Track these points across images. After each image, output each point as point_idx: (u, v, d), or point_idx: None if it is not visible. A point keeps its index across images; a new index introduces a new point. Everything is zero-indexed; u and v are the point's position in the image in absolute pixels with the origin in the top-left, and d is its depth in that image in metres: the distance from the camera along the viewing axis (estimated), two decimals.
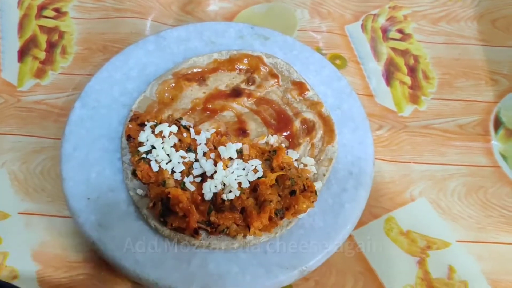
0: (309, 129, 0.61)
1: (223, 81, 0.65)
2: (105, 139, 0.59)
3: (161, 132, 0.56)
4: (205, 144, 0.58)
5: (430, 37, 0.80)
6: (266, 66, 0.66)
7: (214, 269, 0.52)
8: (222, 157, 0.56)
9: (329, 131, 0.60)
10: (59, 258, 0.56)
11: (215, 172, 0.54)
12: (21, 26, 0.75)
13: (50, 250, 0.57)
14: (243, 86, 0.65)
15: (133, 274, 0.51)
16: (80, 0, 0.79)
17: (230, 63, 0.66)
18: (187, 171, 0.55)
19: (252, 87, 0.65)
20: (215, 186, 0.53)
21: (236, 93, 0.64)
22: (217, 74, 0.65)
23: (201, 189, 0.54)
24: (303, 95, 0.63)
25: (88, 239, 0.52)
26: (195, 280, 0.50)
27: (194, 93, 0.63)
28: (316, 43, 0.78)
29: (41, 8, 0.77)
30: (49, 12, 0.77)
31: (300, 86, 0.64)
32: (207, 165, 0.55)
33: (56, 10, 0.78)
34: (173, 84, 0.63)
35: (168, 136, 0.56)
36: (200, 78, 0.64)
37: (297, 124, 0.61)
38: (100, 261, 0.54)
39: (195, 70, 0.65)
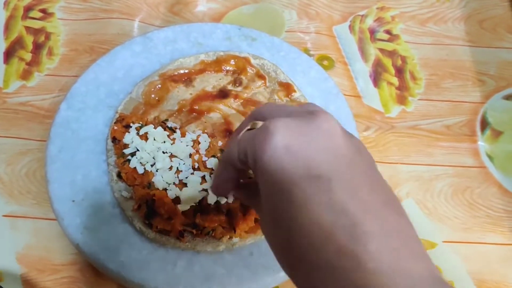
0: None
1: (210, 82, 0.65)
2: (91, 141, 0.59)
3: (146, 133, 0.56)
4: (193, 147, 0.57)
5: (417, 38, 0.80)
6: (253, 68, 0.65)
7: (200, 271, 0.51)
8: (208, 166, 0.56)
9: None
10: (44, 261, 0.56)
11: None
12: (7, 27, 0.74)
13: (34, 252, 0.56)
14: (230, 87, 0.64)
15: (119, 276, 0.50)
16: (67, 1, 0.78)
17: (217, 64, 0.65)
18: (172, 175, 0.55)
19: (239, 89, 0.64)
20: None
21: (223, 94, 0.64)
22: (204, 75, 0.65)
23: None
24: (289, 96, 0.63)
25: (73, 241, 0.52)
26: (181, 282, 0.50)
27: (181, 94, 0.63)
28: (304, 44, 0.78)
29: (28, 9, 0.77)
30: (35, 13, 0.77)
31: (287, 87, 0.64)
32: (192, 177, 0.55)
33: (43, 11, 0.77)
34: (159, 86, 0.62)
35: (153, 139, 0.56)
36: (187, 79, 0.64)
37: None
38: (85, 264, 0.54)
39: (181, 71, 0.64)
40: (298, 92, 0.64)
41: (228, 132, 0.60)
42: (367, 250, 0.28)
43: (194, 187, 0.53)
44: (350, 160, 0.32)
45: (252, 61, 0.66)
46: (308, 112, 0.35)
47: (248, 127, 0.39)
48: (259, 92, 0.64)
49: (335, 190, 0.30)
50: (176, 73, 0.64)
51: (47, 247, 0.57)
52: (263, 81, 0.65)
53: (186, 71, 0.65)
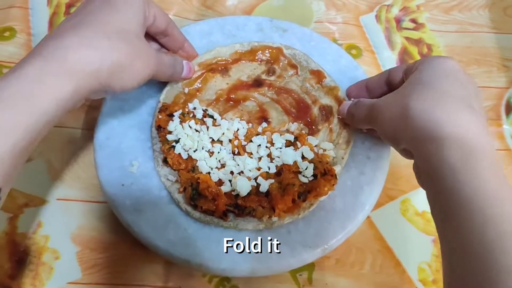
0: (327, 115, 0.64)
1: (245, 72, 0.68)
2: (136, 129, 0.62)
3: (188, 121, 0.60)
4: (233, 135, 0.61)
5: (442, 26, 0.83)
6: (285, 57, 0.69)
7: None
8: (248, 151, 0.59)
9: None
10: (96, 240, 0.61)
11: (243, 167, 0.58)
12: (51, 24, 0.79)
13: (86, 232, 0.61)
14: (264, 76, 0.68)
15: (166, 253, 0.54)
16: None
17: (251, 54, 0.69)
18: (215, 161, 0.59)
19: (272, 78, 0.68)
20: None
21: (257, 83, 0.67)
22: (239, 65, 0.68)
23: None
24: (320, 82, 0.66)
25: (124, 222, 0.56)
26: (224, 259, 0.54)
27: (218, 84, 0.67)
28: (332, 34, 0.81)
29: (69, 6, 0.81)
30: None
31: (318, 75, 0.67)
32: (234, 163, 0.59)
33: None
34: (199, 75, 0.66)
35: (194, 127, 0.60)
36: (223, 69, 0.67)
37: (315, 111, 0.64)
38: (134, 242, 0.58)
39: (218, 60, 0.68)
40: (328, 78, 0.67)
41: (263, 119, 0.64)
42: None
43: (247, 180, 0.57)
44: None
45: (285, 51, 0.69)
46: None
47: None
48: (292, 80, 0.67)
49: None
50: (214, 62, 0.67)
51: (97, 227, 0.61)
52: (295, 70, 0.68)
53: (223, 61, 0.68)
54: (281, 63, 0.68)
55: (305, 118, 0.64)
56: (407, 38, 0.81)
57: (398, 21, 0.83)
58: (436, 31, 0.82)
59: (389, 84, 0.56)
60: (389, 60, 0.78)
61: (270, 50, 0.69)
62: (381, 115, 0.51)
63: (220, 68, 0.67)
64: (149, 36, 0.60)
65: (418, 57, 0.78)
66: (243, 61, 0.69)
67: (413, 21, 0.83)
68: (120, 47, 0.47)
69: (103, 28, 0.47)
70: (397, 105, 0.48)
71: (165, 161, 0.59)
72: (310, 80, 0.67)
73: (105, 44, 0.46)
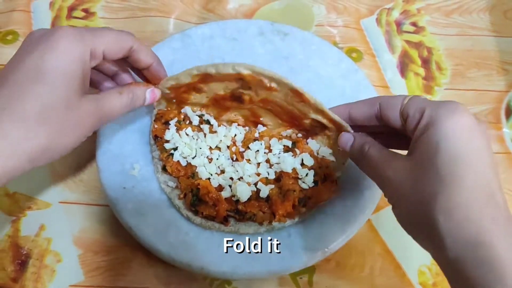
0: (321, 127, 0.58)
1: (218, 88, 0.59)
2: (137, 132, 0.63)
3: (185, 129, 0.60)
4: (231, 141, 0.61)
5: (443, 29, 0.83)
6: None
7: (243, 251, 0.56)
8: (246, 158, 0.59)
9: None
10: (98, 243, 0.61)
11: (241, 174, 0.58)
12: (53, 27, 0.79)
13: (89, 235, 0.62)
14: (240, 90, 0.58)
15: (168, 257, 0.55)
16: (108, 0, 0.83)
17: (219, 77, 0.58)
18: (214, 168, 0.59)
19: (250, 92, 0.58)
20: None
21: (236, 98, 0.59)
22: (209, 85, 0.59)
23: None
24: (305, 101, 0.56)
25: (126, 225, 0.57)
26: (225, 262, 0.55)
27: (198, 99, 0.61)
28: (333, 37, 0.81)
29: (71, 9, 0.82)
30: (78, 13, 0.81)
31: (300, 95, 0.55)
32: (233, 169, 0.59)
33: (85, 10, 0.82)
34: (174, 101, 0.62)
35: (192, 135, 0.60)
36: (195, 88, 0.60)
37: (307, 121, 0.59)
38: (136, 245, 0.58)
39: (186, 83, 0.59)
40: (311, 100, 0.55)
41: (257, 123, 0.61)
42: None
43: (247, 185, 0.57)
44: (492, 159, 0.42)
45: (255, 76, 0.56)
46: None
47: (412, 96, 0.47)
48: (272, 95, 0.57)
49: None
50: (183, 84, 0.59)
51: (100, 230, 0.62)
52: (273, 86, 0.55)
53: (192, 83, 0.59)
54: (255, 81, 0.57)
55: (298, 126, 0.60)
56: (407, 41, 0.81)
57: (399, 24, 0.83)
58: (436, 34, 0.82)
59: (380, 120, 0.50)
60: (389, 63, 0.78)
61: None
62: (395, 200, 0.45)
63: (192, 87, 0.60)
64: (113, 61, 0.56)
65: (418, 61, 0.79)
66: (211, 83, 0.59)
67: (414, 24, 0.83)
68: (39, 131, 0.43)
69: (21, 111, 0.42)
70: (417, 202, 0.42)
71: (164, 168, 0.59)
72: (292, 97, 0.56)
73: (20, 134, 0.42)
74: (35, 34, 0.46)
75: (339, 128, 0.55)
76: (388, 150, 0.48)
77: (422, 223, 0.41)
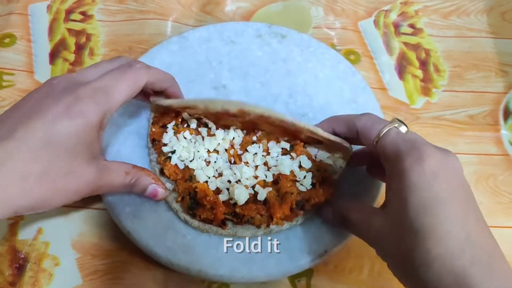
0: (317, 140, 0.58)
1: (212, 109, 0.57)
2: (135, 135, 0.63)
3: (183, 132, 0.60)
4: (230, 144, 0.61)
5: (441, 31, 0.83)
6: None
7: (241, 254, 0.55)
8: (244, 160, 0.59)
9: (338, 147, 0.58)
10: (97, 247, 0.61)
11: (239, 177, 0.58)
12: (51, 30, 0.79)
13: (87, 239, 0.61)
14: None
15: (166, 260, 0.55)
16: (105, 3, 0.83)
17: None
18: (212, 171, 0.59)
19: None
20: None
21: (231, 114, 0.56)
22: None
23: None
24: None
25: (124, 229, 0.57)
26: (223, 265, 0.55)
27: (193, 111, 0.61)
28: (330, 39, 0.81)
29: (69, 12, 0.82)
30: (76, 16, 0.81)
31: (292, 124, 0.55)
32: (231, 171, 0.58)
33: (83, 13, 0.82)
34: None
35: (190, 138, 0.60)
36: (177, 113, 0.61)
37: (303, 136, 0.59)
38: (134, 249, 0.58)
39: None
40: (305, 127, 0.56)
41: (255, 130, 0.61)
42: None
43: (245, 188, 0.56)
44: (467, 192, 0.44)
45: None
46: (444, 149, 0.46)
47: (395, 125, 0.48)
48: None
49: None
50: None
51: (98, 234, 0.62)
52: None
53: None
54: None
55: (294, 137, 0.60)
56: (405, 43, 0.81)
57: (396, 26, 0.83)
58: (434, 36, 0.82)
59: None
60: (387, 65, 0.78)
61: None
62: (383, 254, 0.47)
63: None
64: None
65: (416, 62, 0.79)
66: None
67: (411, 26, 0.83)
68: (35, 191, 0.43)
69: (23, 171, 0.42)
70: (400, 256, 0.44)
71: (161, 171, 0.59)
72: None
73: (16, 191, 0.42)
74: (55, 88, 0.47)
75: (335, 144, 0.56)
76: (366, 208, 0.51)
77: (408, 275, 0.44)
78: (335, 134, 0.55)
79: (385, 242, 0.46)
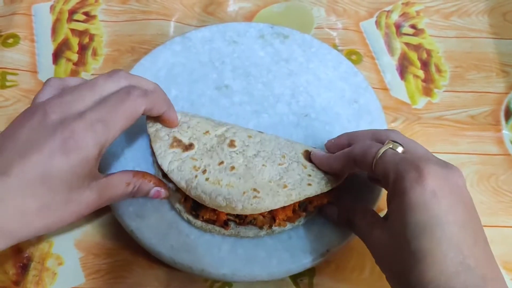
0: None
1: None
2: (139, 135, 0.63)
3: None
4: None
5: (442, 31, 0.83)
6: None
7: (243, 254, 0.56)
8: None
9: None
10: (99, 246, 0.61)
11: None
12: (54, 30, 0.80)
13: (90, 238, 0.62)
14: None
15: (169, 259, 0.55)
16: (108, 3, 0.83)
17: None
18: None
19: None
20: None
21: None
22: None
23: None
24: None
25: (127, 228, 0.57)
26: (225, 264, 0.55)
27: None
28: (332, 40, 0.81)
29: (72, 12, 0.82)
30: (79, 16, 0.82)
31: None
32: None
33: (86, 14, 0.82)
34: None
35: None
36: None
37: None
38: (137, 248, 0.58)
39: None
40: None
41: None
42: None
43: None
44: (469, 211, 0.43)
45: None
46: (445, 164, 0.45)
47: (390, 147, 0.47)
48: None
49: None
50: None
51: (101, 233, 0.62)
52: None
53: None
54: None
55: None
56: (406, 44, 0.81)
57: (398, 26, 0.84)
58: (435, 36, 0.83)
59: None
60: (388, 65, 0.78)
61: None
62: (381, 265, 0.48)
63: None
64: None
65: (417, 63, 0.79)
66: None
67: (413, 26, 0.84)
68: (35, 223, 0.44)
69: (21, 206, 0.42)
70: (397, 272, 0.45)
71: (164, 175, 0.59)
72: None
73: (17, 226, 0.43)
74: (49, 117, 0.45)
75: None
76: (370, 215, 0.51)
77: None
78: (332, 170, 0.55)
79: (383, 255, 0.47)
